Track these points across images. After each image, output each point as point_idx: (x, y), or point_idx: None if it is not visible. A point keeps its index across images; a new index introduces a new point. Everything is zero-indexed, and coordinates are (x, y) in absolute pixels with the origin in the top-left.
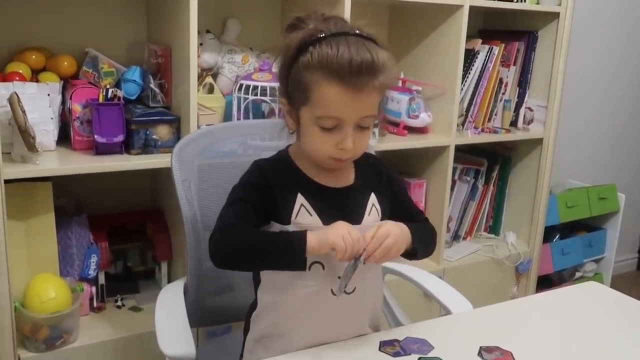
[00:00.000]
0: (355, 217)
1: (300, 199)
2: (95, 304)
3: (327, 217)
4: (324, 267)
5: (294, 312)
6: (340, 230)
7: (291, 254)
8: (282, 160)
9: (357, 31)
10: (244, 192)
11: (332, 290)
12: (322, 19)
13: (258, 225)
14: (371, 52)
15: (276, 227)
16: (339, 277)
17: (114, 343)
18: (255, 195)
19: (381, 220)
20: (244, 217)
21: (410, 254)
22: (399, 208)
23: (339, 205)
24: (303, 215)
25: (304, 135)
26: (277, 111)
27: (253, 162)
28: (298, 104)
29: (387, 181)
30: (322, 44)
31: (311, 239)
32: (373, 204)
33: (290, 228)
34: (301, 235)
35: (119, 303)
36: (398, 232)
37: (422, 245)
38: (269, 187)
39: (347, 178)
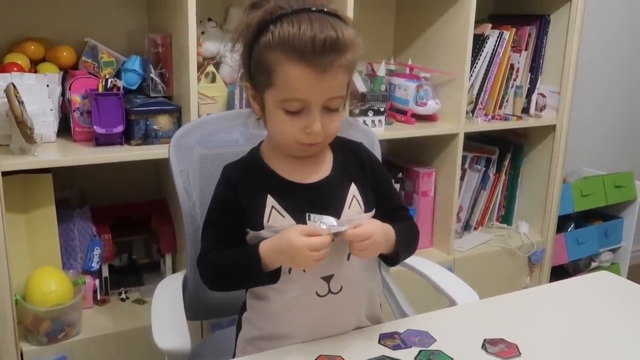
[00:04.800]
0: (332, 212)
1: (270, 200)
2: (99, 297)
3: (301, 217)
4: (304, 269)
5: (283, 316)
6: (301, 254)
7: (254, 277)
8: (252, 161)
9: (320, 7)
10: (215, 211)
11: (316, 292)
12: None
13: (238, 238)
14: (335, 28)
15: (251, 234)
16: (322, 278)
17: (117, 336)
18: (225, 212)
19: (365, 212)
20: (219, 239)
21: (388, 259)
22: (381, 200)
23: (312, 202)
24: (275, 217)
25: (270, 120)
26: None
27: (222, 169)
28: (262, 87)
29: (370, 169)
30: (283, 22)
31: (269, 259)
32: (354, 195)
33: (264, 233)
34: (255, 256)
35: (123, 296)
36: (380, 239)
37: (404, 251)
38: (237, 198)
39: (323, 171)
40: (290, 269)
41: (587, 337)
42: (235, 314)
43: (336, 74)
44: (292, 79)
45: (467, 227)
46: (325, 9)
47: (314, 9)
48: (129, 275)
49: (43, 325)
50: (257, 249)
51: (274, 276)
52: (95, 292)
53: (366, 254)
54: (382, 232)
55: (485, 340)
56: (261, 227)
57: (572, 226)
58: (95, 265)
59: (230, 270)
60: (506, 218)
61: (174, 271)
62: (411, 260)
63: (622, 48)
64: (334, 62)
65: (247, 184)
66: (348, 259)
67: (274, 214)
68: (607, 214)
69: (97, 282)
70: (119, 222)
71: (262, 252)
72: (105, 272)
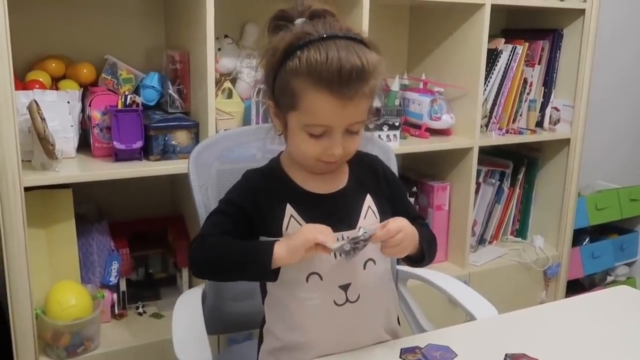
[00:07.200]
0: (348, 221)
1: (289, 209)
2: (116, 311)
3: None
4: (321, 278)
5: (302, 326)
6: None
7: (258, 266)
8: (273, 170)
9: (346, 33)
10: (227, 206)
11: (334, 301)
12: (309, 14)
13: (240, 237)
14: (361, 57)
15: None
16: (339, 287)
17: (135, 350)
18: (237, 212)
19: (380, 222)
20: (222, 228)
21: (415, 260)
22: (397, 211)
23: (330, 212)
24: (293, 226)
25: (292, 138)
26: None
27: (243, 175)
28: (286, 108)
29: (385, 181)
30: (310, 49)
31: (279, 250)
32: (369, 206)
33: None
34: (269, 247)
35: (141, 310)
36: (409, 231)
37: (428, 251)
38: (253, 208)
39: (340, 181)
40: (307, 278)
41: (610, 353)
42: (253, 328)
43: (360, 101)
44: (317, 106)
45: (481, 241)
46: (351, 35)
47: (340, 34)
48: (145, 289)
49: (63, 339)
50: (273, 243)
51: (275, 274)
52: (112, 306)
53: (401, 248)
54: (409, 226)
55: (506, 355)
56: (279, 235)
57: (587, 240)
58: (113, 280)
59: (235, 254)
60: (521, 232)
61: (190, 286)
62: (429, 274)
63: (637, 62)
64: (359, 90)
65: (268, 191)
66: (364, 267)
67: (293, 222)
68: (622, 228)
69: (114, 296)
70: (136, 237)
71: (276, 246)
72: (123, 287)
